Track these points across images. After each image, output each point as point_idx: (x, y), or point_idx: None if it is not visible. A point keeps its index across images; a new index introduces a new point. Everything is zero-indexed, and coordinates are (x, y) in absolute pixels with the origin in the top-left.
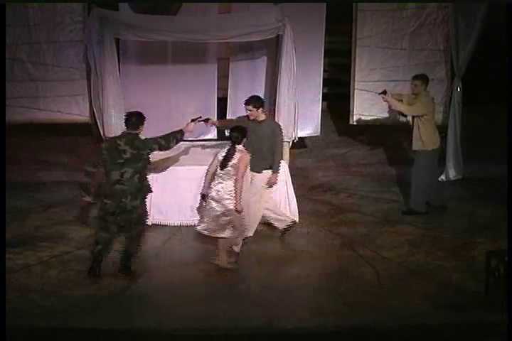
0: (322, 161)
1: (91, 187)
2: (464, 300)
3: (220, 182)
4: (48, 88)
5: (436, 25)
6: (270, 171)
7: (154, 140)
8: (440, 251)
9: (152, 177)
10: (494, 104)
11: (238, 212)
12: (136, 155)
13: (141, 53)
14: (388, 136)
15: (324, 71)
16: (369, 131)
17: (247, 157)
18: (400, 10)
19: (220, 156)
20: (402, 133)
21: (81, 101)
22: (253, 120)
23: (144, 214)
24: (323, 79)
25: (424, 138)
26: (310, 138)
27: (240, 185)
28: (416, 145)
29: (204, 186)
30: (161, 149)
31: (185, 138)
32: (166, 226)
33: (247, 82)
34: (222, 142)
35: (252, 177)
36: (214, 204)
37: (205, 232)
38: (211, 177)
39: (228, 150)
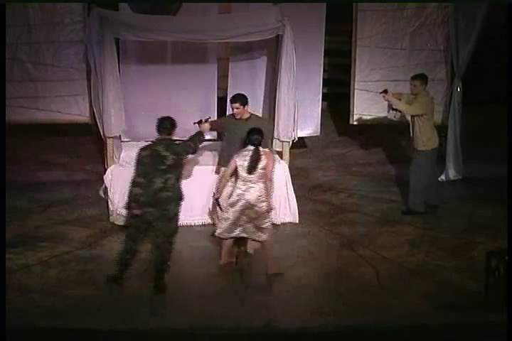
0: (322, 161)
1: (141, 198)
2: (464, 300)
3: (252, 186)
4: (47, 88)
5: (436, 25)
6: None
7: (185, 143)
8: (440, 251)
9: None
10: (494, 104)
11: (269, 212)
12: (176, 161)
13: (141, 53)
14: (388, 135)
15: (324, 71)
16: (369, 131)
17: (273, 156)
18: (400, 10)
19: (243, 161)
20: (402, 133)
21: (81, 101)
22: (239, 118)
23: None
24: (323, 79)
25: (423, 138)
26: (310, 138)
27: (272, 184)
28: (416, 144)
29: (218, 191)
30: (193, 152)
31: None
32: None
33: (247, 81)
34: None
35: None
36: (249, 208)
37: (244, 235)
38: (226, 183)
39: (253, 154)
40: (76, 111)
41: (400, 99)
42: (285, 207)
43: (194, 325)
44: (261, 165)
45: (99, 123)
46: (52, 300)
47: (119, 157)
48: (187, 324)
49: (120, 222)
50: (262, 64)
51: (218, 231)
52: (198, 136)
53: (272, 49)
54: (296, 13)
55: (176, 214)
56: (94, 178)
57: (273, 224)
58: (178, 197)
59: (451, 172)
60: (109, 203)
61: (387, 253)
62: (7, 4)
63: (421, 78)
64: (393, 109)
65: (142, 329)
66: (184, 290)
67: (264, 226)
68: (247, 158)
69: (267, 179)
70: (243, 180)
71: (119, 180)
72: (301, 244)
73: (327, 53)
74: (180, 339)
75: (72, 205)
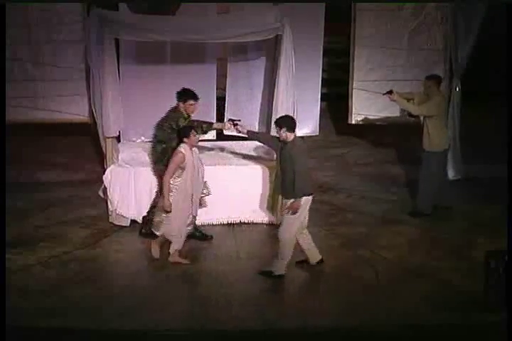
0: (321, 161)
1: None
2: (463, 300)
3: None
4: (47, 88)
5: (435, 25)
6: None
7: (178, 118)
8: (440, 252)
9: (151, 177)
10: (494, 103)
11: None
12: (160, 123)
13: (140, 53)
14: (388, 135)
15: (323, 71)
16: (368, 131)
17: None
18: (399, 10)
19: None
20: (402, 133)
21: (80, 101)
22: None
23: None
24: (322, 79)
25: (432, 139)
26: (309, 138)
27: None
28: (424, 145)
29: None
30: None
31: None
32: None
33: (246, 81)
34: (221, 142)
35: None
36: None
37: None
38: None
39: None
40: (75, 111)
41: (411, 99)
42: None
43: (192, 325)
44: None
45: (98, 124)
46: (51, 300)
47: (118, 157)
48: (185, 324)
49: (119, 222)
50: (260, 64)
51: None
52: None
53: (271, 49)
54: (295, 13)
55: None
56: (93, 178)
57: (272, 224)
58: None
59: (451, 173)
60: (109, 203)
61: (387, 253)
62: (7, 4)
63: (435, 78)
64: (406, 113)
65: (141, 330)
66: (183, 290)
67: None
68: None
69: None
70: None
71: (118, 180)
72: None
73: (326, 53)
74: (179, 340)
75: (72, 205)
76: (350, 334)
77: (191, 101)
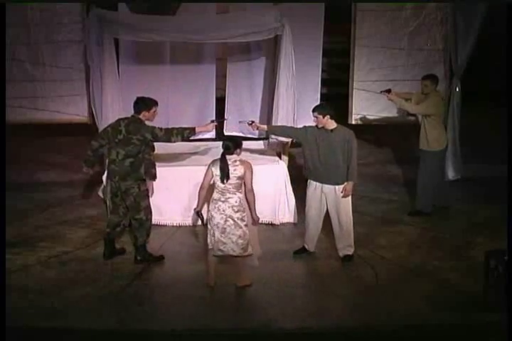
0: None
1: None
2: (463, 300)
3: (230, 197)
4: (46, 88)
5: (435, 25)
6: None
7: (152, 128)
8: (440, 251)
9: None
10: (494, 104)
11: (254, 224)
12: (126, 138)
13: (140, 53)
14: (388, 135)
15: (323, 71)
16: (368, 131)
17: (250, 165)
18: (399, 10)
19: (217, 169)
20: (402, 133)
21: (80, 101)
22: (322, 128)
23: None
24: (322, 79)
25: (430, 138)
26: None
27: (253, 195)
28: (422, 144)
29: (198, 203)
30: (156, 140)
31: None
32: (165, 226)
33: (245, 82)
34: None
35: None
36: (228, 221)
37: (233, 253)
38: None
39: (221, 162)
40: (75, 111)
41: (409, 99)
42: (284, 207)
43: (193, 326)
44: (237, 174)
45: (98, 124)
46: (51, 300)
47: None
48: (186, 324)
49: None
50: (260, 64)
51: (209, 247)
52: (182, 130)
53: (271, 49)
54: (294, 13)
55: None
56: (93, 178)
57: (272, 224)
58: (126, 174)
59: (450, 172)
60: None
61: (387, 253)
62: (7, 4)
63: (432, 78)
64: (405, 112)
65: (141, 330)
66: (183, 291)
67: (246, 239)
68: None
69: (247, 189)
70: (219, 191)
71: None
72: (300, 244)
73: (326, 53)
74: (179, 340)
75: (72, 205)
76: (350, 335)
77: (154, 108)
